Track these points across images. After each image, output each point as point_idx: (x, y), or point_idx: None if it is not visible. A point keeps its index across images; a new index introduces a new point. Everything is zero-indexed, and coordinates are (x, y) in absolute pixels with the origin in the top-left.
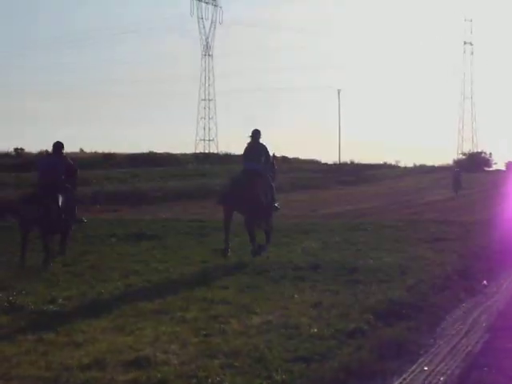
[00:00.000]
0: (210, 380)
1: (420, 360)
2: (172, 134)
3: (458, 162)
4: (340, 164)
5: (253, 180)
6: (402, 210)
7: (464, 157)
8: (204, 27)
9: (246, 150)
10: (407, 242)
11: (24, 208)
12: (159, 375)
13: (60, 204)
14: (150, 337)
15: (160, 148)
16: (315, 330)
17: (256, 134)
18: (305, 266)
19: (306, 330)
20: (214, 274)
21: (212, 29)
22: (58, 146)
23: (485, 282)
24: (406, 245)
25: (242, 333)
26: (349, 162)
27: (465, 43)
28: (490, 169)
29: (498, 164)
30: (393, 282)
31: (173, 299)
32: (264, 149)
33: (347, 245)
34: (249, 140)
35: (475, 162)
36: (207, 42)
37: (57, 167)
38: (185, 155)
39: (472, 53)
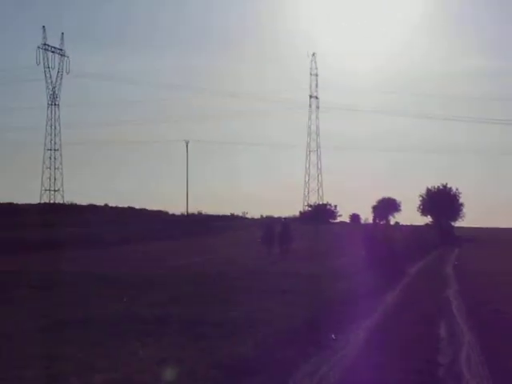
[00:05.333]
0: None
1: None
2: (16, 183)
3: (303, 214)
4: (188, 215)
5: None
6: (249, 261)
7: (310, 208)
8: (51, 77)
9: None
10: (254, 293)
11: None
12: None
13: None
14: None
15: (3, 198)
16: None
17: None
18: (150, 319)
19: None
20: (54, 328)
21: (59, 78)
22: None
23: (333, 335)
24: (253, 297)
25: None
26: (196, 213)
27: (311, 97)
28: (335, 221)
29: (343, 216)
30: (241, 335)
31: (12, 356)
32: None
33: (194, 297)
34: None
35: (321, 214)
36: (54, 92)
37: None
38: (30, 205)
39: (318, 106)
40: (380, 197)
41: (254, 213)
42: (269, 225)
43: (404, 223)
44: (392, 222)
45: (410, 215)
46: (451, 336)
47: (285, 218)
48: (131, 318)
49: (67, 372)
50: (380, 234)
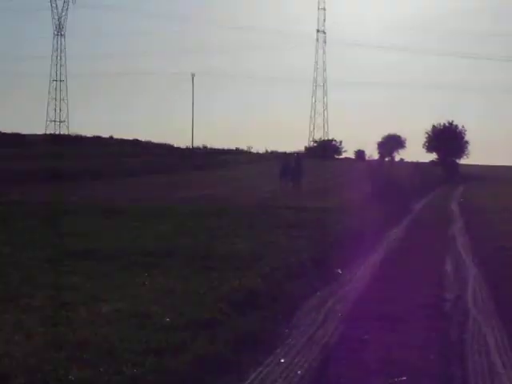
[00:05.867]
0: (55, 374)
1: (276, 351)
2: (22, 114)
3: (309, 149)
4: (193, 148)
5: None
6: (254, 195)
7: (315, 144)
8: (56, 6)
9: None
10: (262, 228)
11: None
12: (0, 369)
13: None
14: None
15: (9, 128)
16: (168, 320)
17: None
18: (157, 251)
19: (158, 319)
20: (59, 258)
21: (65, 8)
22: None
23: (339, 270)
24: (261, 231)
25: (90, 322)
26: (201, 147)
27: (318, 31)
28: (340, 156)
29: (348, 152)
30: (247, 269)
31: (17, 284)
32: None
33: (201, 230)
34: None
35: (326, 150)
36: (59, 22)
37: None
38: (35, 136)
39: (325, 41)
40: (385, 133)
41: (259, 147)
42: (286, 159)
43: (409, 160)
44: (397, 159)
45: (415, 152)
46: (457, 271)
47: (297, 153)
48: (138, 250)
49: (74, 302)
50: (385, 169)
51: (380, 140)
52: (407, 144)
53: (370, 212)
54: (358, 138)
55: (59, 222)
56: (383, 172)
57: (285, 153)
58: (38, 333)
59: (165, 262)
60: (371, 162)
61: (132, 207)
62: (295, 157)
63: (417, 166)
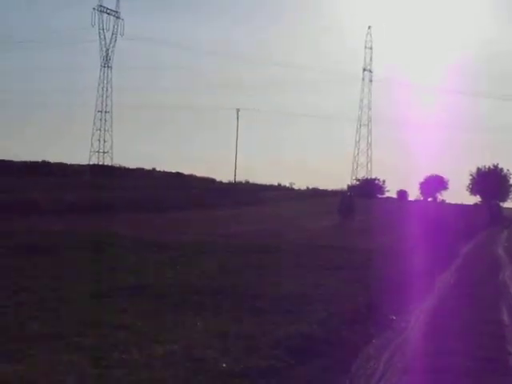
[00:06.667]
0: None
1: None
2: (67, 144)
3: (351, 188)
4: (236, 183)
5: None
6: (302, 232)
7: (358, 182)
8: (105, 38)
9: None
10: (308, 268)
11: None
12: None
13: None
14: (44, 366)
15: (54, 158)
16: (224, 366)
17: None
18: (206, 289)
19: (213, 364)
20: (109, 293)
21: (113, 41)
22: None
23: (393, 316)
24: (307, 271)
25: (144, 365)
26: (244, 182)
27: (364, 70)
28: (383, 196)
29: (391, 192)
30: (299, 312)
31: (68, 322)
32: None
33: (247, 268)
34: None
35: (369, 189)
36: (107, 54)
37: None
38: (80, 166)
39: (370, 80)
40: (428, 174)
41: (300, 184)
42: (345, 196)
43: (451, 201)
44: (439, 200)
45: (458, 193)
46: None
47: (350, 192)
48: (188, 288)
49: (126, 342)
50: (431, 211)
51: (422, 180)
52: (450, 185)
53: (419, 255)
54: (401, 177)
55: (107, 255)
56: (429, 213)
57: (342, 190)
58: (91, 374)
59: (215, 301)
60: (416, 203)
61: (178, 242)
62: (348, 195)
63: (462, 208)
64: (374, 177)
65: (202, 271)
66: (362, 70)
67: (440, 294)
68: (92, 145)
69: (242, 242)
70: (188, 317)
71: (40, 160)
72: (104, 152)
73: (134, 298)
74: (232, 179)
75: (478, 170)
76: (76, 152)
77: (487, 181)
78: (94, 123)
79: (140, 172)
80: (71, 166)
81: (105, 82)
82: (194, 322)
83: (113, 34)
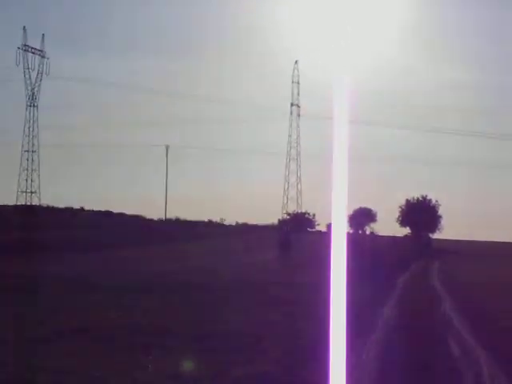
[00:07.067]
0: None
1: None
2: None
3: (282, 222)
4: (166, 220)
5: None
6: (236, 268)
7: (288, 217)
8: (30, 77)
9: None
10: (252, 304)
11: None
12: None
13: None
14: None
15: None
16: None
17: None
18: (154, 329)
19: None
20: (51, 337)
21: (38, 80)
22: None
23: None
24: (252, 307)
25: None
26: (174, 219)
27: (292, 105)
28: (313, 230)
29: (321, 225)
30: (251, 351)
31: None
32: None
33: (189, 306)
34: None
35: (299, 223)
36: (33, 93)
37: None
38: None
39: (298, 114)
40: (357, 206)
41: (231, 219)
42: (283, 231)
43: (381, 233)
44: (368, 232)
45: (387, 225)
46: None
47: (286, 227)
48: (131, 329)
49: None
50: (365, 244)
51: (351, 213)
52: (378, 217)
53: (358, 289)
54: (330, 210)
55: (42, 297)
56: (362, 246)
57: (273, 225)
58: None
59: (163, 342)
60: (347, 236)
61: (113, 281)
62: (284, 231)
63: (393, 240)
64: (303, 211)
65: (145, 310)
66: (289, 105)
67: (381, 331)
68: (19, 185)
69: (180, 280)
70: (138, 359)
71: None
72: (32, 192)
73: (77, 342)
74: (162, 216)
75: (407, 201)
76: (2, 192)
77: (416, 212)
78: (21, 163)
79: (69, 211)
80: None
81: (31, 121)
82: (145, 364)
83: (38, 73)
